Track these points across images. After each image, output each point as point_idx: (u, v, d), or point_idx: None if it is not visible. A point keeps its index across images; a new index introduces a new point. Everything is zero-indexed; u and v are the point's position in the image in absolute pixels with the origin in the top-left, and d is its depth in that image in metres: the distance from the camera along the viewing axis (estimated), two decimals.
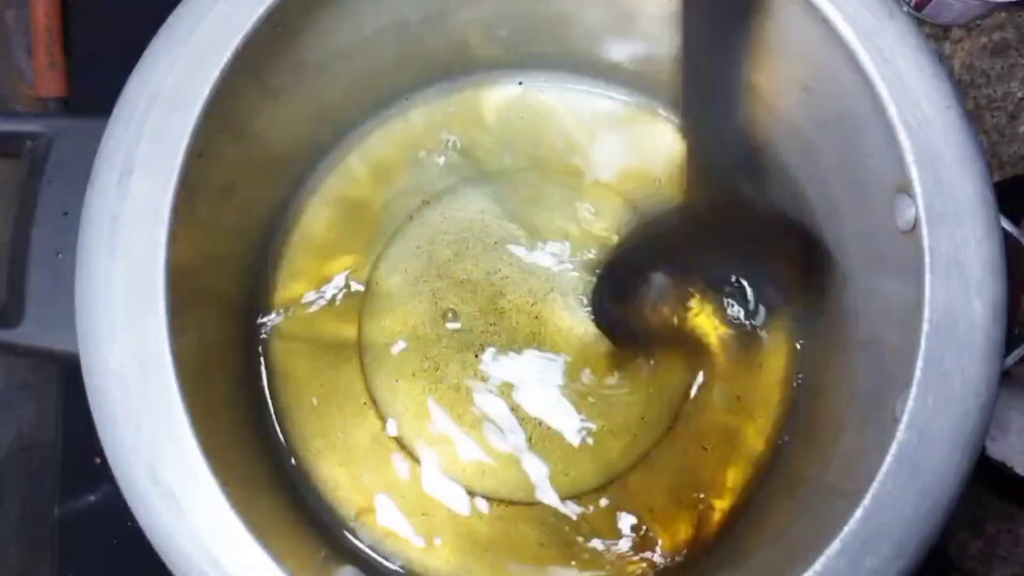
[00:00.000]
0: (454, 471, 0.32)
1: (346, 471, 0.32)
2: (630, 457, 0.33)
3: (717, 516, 0.32)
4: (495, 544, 0.32)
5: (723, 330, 0.33)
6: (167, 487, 0.22)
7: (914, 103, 0.24)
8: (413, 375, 0.33)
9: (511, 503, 0.32)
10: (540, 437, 0.33)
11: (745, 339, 0.33)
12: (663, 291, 0.33)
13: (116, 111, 0.25)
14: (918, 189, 0.24)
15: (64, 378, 0.41)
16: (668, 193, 0.34)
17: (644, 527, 0.32)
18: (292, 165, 0.34)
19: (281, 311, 0.34)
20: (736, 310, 0.33)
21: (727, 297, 0.33)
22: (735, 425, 0.33)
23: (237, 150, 0.28)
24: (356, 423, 0.33)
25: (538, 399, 0.33)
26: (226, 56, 0.25)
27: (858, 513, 0.22)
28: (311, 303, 0.34)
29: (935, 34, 0.43)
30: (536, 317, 0.34)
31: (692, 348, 0.33)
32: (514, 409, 0.33)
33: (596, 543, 0.32)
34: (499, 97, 0.36)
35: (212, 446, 0.23)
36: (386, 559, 0.31)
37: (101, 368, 0.23)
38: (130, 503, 0.23)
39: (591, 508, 0.32)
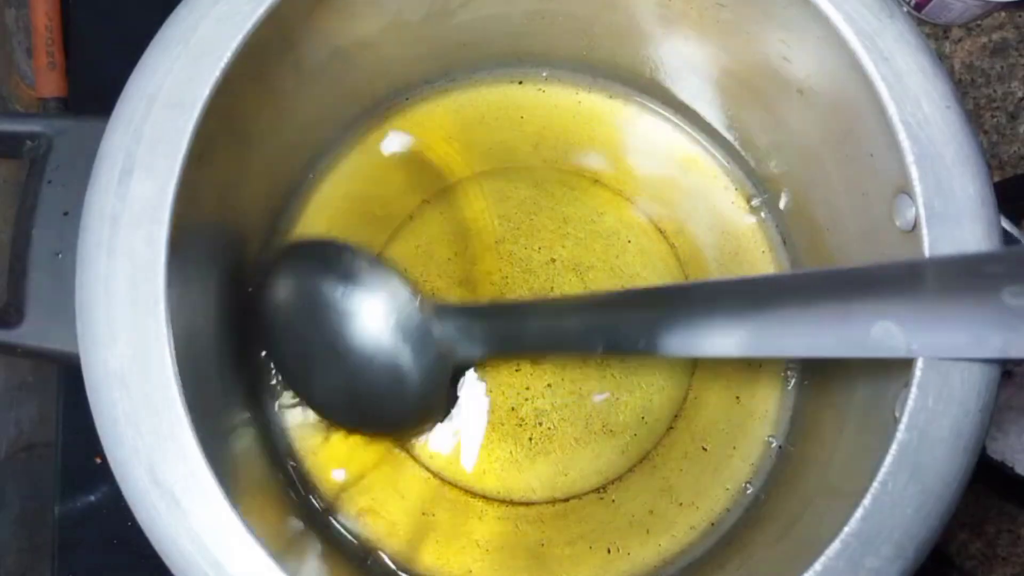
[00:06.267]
0: (454, 471, 0.32)
1: (347, 471, 0.32)
2: (630, 457, 0.33)
3: (717, 517, 0.32)
4: (495, 544, 0.32)
5: None
6: (167, 487, 0.22)
7: (914, 103, 0.24)
8: None
9: (511, 503, 0.32)
10: (540, 437, 0.33)
11: None
12: None
13: (116, 111, 0.25)
14: (918, 189, 0.24)
15: (64, 378, 0.41)
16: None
17: (645, 528, 0.32)
18: (292, 165, 0.34)
19: None
20: None
21: None
22: (735, 425, 0.33)
23: (237, 150, 0.28)
24: None
25: (538, 399, 0.33)
26: (226, 56, 0.25)
27: (858, 513, 0.22)
28: None
29: (935, 34, 0.43)
30: None
31: None
32: (514, 409, 0.33)
33: (596, 543, 0.32)
34: (499, 97, 0.36)
35: (212, 446, 0.23)
36: (386, 559, 0.31)
37: (101, 368, 0.23)
38: (130, 503, 0.23)
39: (592, 508, 0.32)
